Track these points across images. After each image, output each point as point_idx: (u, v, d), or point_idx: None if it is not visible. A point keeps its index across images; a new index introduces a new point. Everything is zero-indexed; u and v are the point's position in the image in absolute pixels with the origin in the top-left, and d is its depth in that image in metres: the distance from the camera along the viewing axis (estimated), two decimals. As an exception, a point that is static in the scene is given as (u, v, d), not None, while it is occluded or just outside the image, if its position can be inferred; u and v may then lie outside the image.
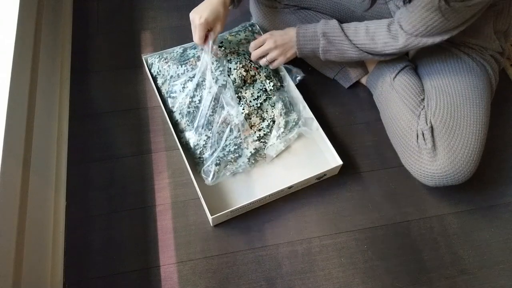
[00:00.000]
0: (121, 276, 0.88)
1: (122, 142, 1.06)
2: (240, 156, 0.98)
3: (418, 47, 0.88)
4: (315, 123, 1.02)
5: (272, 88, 1.04)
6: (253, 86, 1.03)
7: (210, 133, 0.98)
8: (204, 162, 0.97)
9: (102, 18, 1.29)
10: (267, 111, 1.02)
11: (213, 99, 0.98)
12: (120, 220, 0.94)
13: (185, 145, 1.00)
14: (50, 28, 1.12)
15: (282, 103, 1.03)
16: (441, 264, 0.92)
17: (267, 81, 1.04)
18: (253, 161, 0.99)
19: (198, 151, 0.98)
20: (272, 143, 1.00)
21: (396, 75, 1.00)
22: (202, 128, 0.98)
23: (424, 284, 0.89)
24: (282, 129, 1.01)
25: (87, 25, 1.27)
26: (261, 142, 1.00)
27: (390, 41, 0.89)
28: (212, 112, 0.98)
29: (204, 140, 0.98)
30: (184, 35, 1.25)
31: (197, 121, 0.99)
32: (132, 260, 0.90)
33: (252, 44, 1.02)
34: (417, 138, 0.92)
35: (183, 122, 1.01)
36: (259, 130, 1.00)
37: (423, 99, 0.96)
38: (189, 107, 1.00)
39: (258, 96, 1.02)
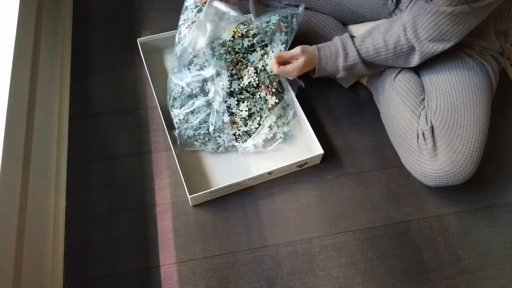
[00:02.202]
0: (121, 276, 0.88)
1: (122, 142, 1.06)
2: (208, 142, 1.00)
3: (433, 55, 0.89)
4: (304, 121, 1.03)
5: (271, 105, 1.01)
6: (249, 100, 1.00)
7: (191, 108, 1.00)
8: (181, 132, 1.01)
9: (102, 18, 1.29)
10: (253, 121, 1.00)
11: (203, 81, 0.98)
12: (120, 220, 0.95)
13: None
14: (50, 28, 1.12)
15: (274, 122, 1.01)
16: (441, 264, 0.92)
17: (270, 97, 1.00)
18: (218, 151, 1.01)
19: (178, 124, 1.01)
20: (246, 146, 1.01)
21: (396, 75, 1.00)
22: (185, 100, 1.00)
23: (424, 284, 0.89)
24: (261, 141, 1.00)
25: (87, 25, 1.27)
26: (237, 140, 1.01)
27: (408, 52, 0.91)
28: (200, 90, 0.99)
29: (184, 114, 1.00)
30: (184, 35, 1.26)
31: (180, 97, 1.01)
32: (132, 260, 0.90)
33: (282, 56, 0.94)
34: (418, 138, 0.92)
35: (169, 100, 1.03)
36: (238, 129, 1.00)
37: (424, 99, 0.96)
38: (181, 94, 1.01)
39: (249, 109, 0.99)
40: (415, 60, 0.92)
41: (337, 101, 1.14)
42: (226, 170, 1.00)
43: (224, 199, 0.98)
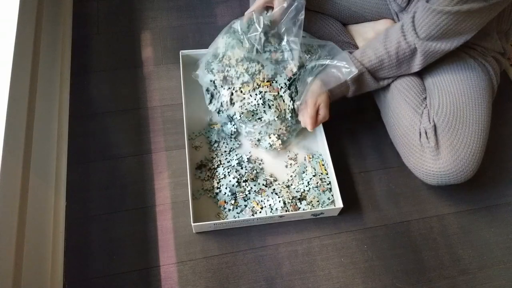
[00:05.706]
0: (121, 276, 0.88)
1: (122, 142, 1.06)
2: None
3: (435, 56, 0.89)
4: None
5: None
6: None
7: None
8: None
9: (102, 18, 1.29)
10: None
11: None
12: (120, 220, 0.94)
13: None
14: (50, 28, 1.12)
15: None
16: (441, 264, 0.92)
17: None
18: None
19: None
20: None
21: (397, 74, 1.00)
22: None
23: (424, 284, 0.89)
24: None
25: (87, 25, 1.27)
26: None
27: (410, 56, 0.91)
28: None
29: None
30: (184, 35, 1.26)
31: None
32: (132, 260, 0.90)
33: (312, 115, 0.94)
34: (420, 137, 0.92)
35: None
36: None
37: (425, 98, 0.96)
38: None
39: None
40: (417, 63, 0.92)
41: (337, 101, 1.13)
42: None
43: (224, 199, 0.97)
